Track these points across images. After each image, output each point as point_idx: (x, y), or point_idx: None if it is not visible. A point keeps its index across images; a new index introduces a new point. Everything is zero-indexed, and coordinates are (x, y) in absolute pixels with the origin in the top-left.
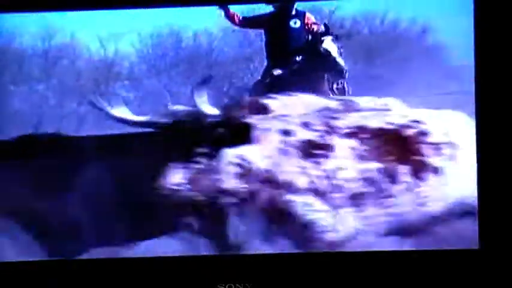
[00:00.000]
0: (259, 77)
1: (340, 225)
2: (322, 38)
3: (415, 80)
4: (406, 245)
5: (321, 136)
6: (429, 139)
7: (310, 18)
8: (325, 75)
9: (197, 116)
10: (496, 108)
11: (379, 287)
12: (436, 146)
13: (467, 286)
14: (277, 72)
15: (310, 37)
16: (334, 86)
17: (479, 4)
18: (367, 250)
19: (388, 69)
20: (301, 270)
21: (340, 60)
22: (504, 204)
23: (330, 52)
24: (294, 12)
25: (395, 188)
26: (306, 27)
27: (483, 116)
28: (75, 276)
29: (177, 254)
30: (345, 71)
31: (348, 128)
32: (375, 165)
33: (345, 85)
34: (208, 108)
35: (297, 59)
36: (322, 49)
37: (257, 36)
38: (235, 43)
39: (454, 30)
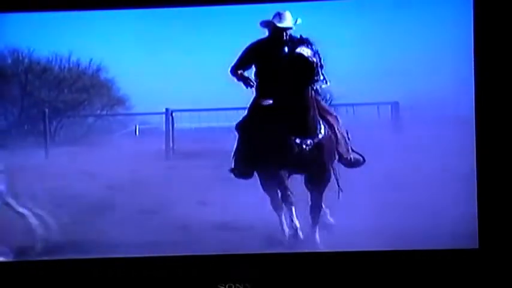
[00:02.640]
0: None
1: None
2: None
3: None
4: None
5: None
6: None
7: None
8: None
9: None
10: (494, 112)
11: (379, 287)
12: None
13: (467, 286)
14: (266, 102)
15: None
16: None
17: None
18: (367, 250)
19: (74, 95)
20: (301, 270)
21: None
22: (503, 205)
23: (303, 54)
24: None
25: None
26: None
27: (482, 117)
28: (76, 276)
29: (177, 254)
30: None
31: None
32: None
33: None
34: None
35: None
36: (296, 53)
37: None
38: None
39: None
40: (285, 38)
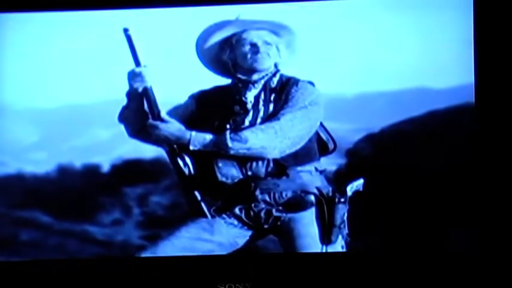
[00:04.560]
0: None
1: None
2: None
3: None
4: None
5: None
6: None
7: None
8: None
9: None
10: (495, 109)
11: (378, 287)
12: None
13: (467, 286)
14: None
15: None
16: None
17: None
18: (367, 250)
19: None
20: (301, 270)
21: None
22: (503, 206)
23: None
24: None
25: None
26: None
27: (482, 117)
28: (75, 276)
29: (176, 254)
30: None
31: None
32: None
33: None
34: None
35: None
36: None
37: None
38: None
39: None
40: None
